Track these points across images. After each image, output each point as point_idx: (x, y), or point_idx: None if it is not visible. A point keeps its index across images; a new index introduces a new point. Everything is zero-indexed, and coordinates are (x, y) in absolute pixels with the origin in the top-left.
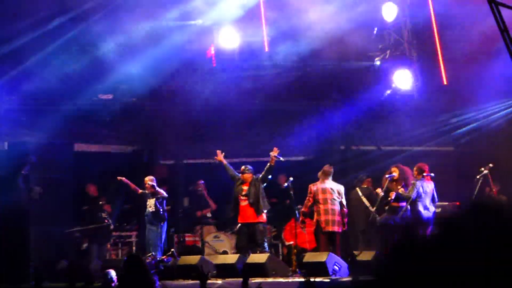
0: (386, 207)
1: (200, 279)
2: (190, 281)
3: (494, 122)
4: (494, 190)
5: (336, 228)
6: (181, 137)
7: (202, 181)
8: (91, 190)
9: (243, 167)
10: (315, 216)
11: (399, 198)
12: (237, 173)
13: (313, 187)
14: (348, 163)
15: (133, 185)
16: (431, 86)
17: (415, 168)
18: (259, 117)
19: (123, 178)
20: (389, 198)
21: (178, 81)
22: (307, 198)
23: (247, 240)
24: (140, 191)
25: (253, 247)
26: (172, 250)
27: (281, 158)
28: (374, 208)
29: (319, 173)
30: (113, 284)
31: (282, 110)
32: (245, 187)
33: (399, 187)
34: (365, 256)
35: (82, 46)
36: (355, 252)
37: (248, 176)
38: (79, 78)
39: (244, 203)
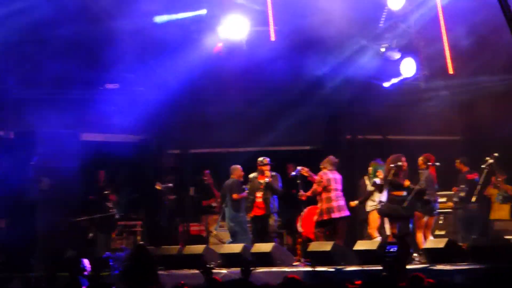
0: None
1: (204, 273)
2: (195, 271)
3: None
4: (500, 179)
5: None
6: (188, 126)
7: (208, 171)
8: (101, 177)
9: (261, 158)
10: (325, 204)
11: (404, 188)
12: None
13: (325, 176)
14: (354, 153)
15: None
16: (438, 75)
17: (421, 158)
18: (266, 107)
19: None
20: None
21: (185, 71)
22: (316, 186)
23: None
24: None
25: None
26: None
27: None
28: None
29: (327, 163)
30: (85, 273)
31: (288, 100)
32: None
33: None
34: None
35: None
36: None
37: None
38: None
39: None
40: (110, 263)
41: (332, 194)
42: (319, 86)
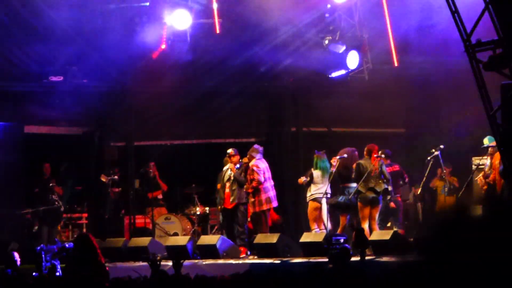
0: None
1: (152, 265)
2: (141, 263)
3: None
4: (446, 171)
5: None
6: (132, 119)
7: (153, 163)
8: (46, 169)
9: (230, 150)
10: (264, 195)
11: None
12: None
13: (262, 165)
14: (299, 145)
15: None
16: (382, 67)
17: (365, 149)
18: (209, 99)
19: None
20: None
21: (128, 62)
22: (259, 176)
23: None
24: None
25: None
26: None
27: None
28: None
29: (255, 152)
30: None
31: (232, 92)
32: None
33: (345, 168)
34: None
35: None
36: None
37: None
38: (29, 59)
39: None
40: (42, 256)
41: (269, 184)
42: (263, 78)
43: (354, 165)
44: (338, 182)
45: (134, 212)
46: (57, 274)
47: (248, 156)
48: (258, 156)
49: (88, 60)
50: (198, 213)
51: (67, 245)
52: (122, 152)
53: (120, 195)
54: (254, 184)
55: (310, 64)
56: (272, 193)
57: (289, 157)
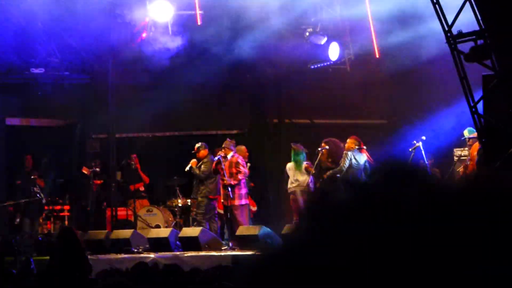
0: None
1: None
2: (123, 255)
3: None
4: (428, 163)
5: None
6: (113, 111)
7: (135, 155)
8: (28, 161)
9: (199, 144)
10: (244, 189)
11: (332, 173)
12: None
13: (242, 160)
14: (281, 137)
15: None
16: (364, 59)
17: (349, 140)
18: (191, 91)
19: None
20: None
21: (111, 54)
22: (244, 169)
23: None
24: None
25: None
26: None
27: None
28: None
29: (230, 145)
30: None
31: (213, 84)
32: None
33: (329, 160)
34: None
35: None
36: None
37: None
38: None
39: None
40: (16, 248)
41: (245, 179)
42: (244, 69)
43: (344, 156)
44: (321, 173)
45: (116, 204)
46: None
47: (224, 149)
48: (233, 149)
49: (70, 52)
50: (180, 205)
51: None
52: (104, 144)
53: (102, 187)
54: (240, 176)
55: (291, 55)
56: (245, 189)
57: (271, 149)
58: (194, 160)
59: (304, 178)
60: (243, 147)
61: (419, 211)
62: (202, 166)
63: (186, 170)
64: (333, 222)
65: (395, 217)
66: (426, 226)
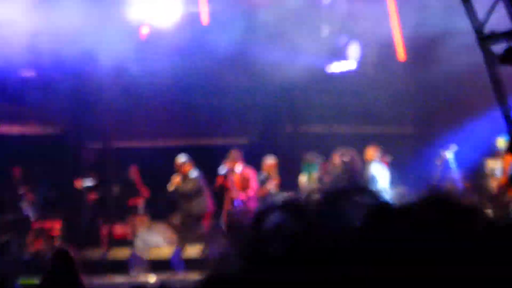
0: None
1: None
2: (120, 277)
3: None
4: (457, 177)
5: None
6: (111, 117)
7: (135, 167)
8: (16, 174)
9: (181, 158)
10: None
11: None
12: None
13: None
14: (296, 146)
15: None
16: (388, 61)
17: (369, 150)
18: (197, 96)
19: None
20: None
21: (107, 56)
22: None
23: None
24: None
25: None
26: None
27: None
28: None
29: (238, 158)
30: None
31: (221, 89)
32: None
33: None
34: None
35: None
36: None
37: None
38: None
39: None
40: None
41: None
42: (256, 73)
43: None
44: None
45: (113, 221)
46: None
47: (231, 161)
48: (241, 161)
49: (62, 53)
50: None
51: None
52: (100, 154)
53: (97, 202)
54: (250, 192)
55: (307, 57)
56: None
57: (284, 160)
58: (178, 179)
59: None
60: (272, 161)
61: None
62: (189, 183)
63: (169, 190)
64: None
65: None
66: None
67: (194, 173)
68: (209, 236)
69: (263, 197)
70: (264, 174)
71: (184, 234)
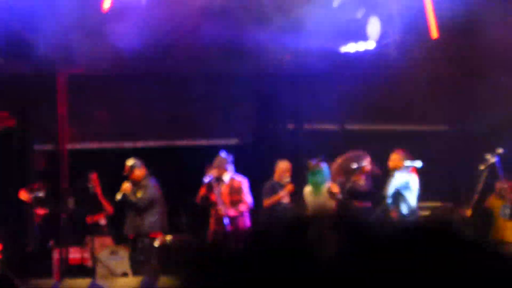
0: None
1: None
2: None
3: None
4: (507, 186)
5: None
6: (65, 113)
7: (95, 174)
8: None
9: (131, 161)
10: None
11: (364, 195)
12: None
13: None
14: (299, 148)
15: None
16: (416, 40)
17: (394, 156)
18: (176, 86)
19: None
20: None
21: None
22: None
23: None
24: None
25: None
26: None
27: None
28: None
29: (226, 164)
30: None
31: (207, 79)
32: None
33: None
34: None
35: None
36: None
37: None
38: None
39: None
40: None
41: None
42: (248, 59)
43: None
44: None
45: (68, 243)
46: None
47: (217, 168)
48: (230, 168)
49: (7, 33)
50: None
51: None
52: (51, 158)
53: (47, 219)
54: (243, 207)
55: (314, 36)
56: None
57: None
58: (127, 185)
59: (329, 206)
60: (285, 164)
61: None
62: (141, 191)
63: (117, 199)
64: None
65: None
66: None
67: (148, 180)
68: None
69: (273, 208)
70: (276, 181)
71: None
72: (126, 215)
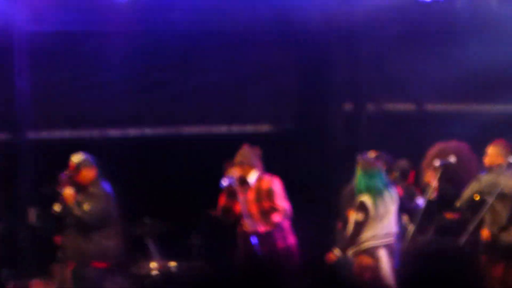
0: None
1: None
2: None
3: None
4: None
5: None
6: (27, 89)
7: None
8: None
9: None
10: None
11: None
12: None
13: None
14: (358, 136)
15: None
16: None
17: (493, 148)
18: (180, 55)
19: None
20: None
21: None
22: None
23: None
24: None
25: None
26: None
27: None
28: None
29: (258, 159)
30: None
31: (225, 45)
32: None
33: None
34: None
35: None
36: None
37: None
38: None
39: None
40: None
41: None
42: (283, 22)
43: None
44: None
45: (27, 272)
46: None
47: (241, 165)
48: (259, 165)
49: None
50: (154, 273)
51: None
52: (7, 151)
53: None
54: (277, 218)
55: None
56: None
57: (339, 158)
58: (69, 191)
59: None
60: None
61: None
62: (89, 202)
63: (55, 211)
64: None
65: None
66: None
67: (98, 186)
68: None
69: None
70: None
71: None
72: (65, 235)
